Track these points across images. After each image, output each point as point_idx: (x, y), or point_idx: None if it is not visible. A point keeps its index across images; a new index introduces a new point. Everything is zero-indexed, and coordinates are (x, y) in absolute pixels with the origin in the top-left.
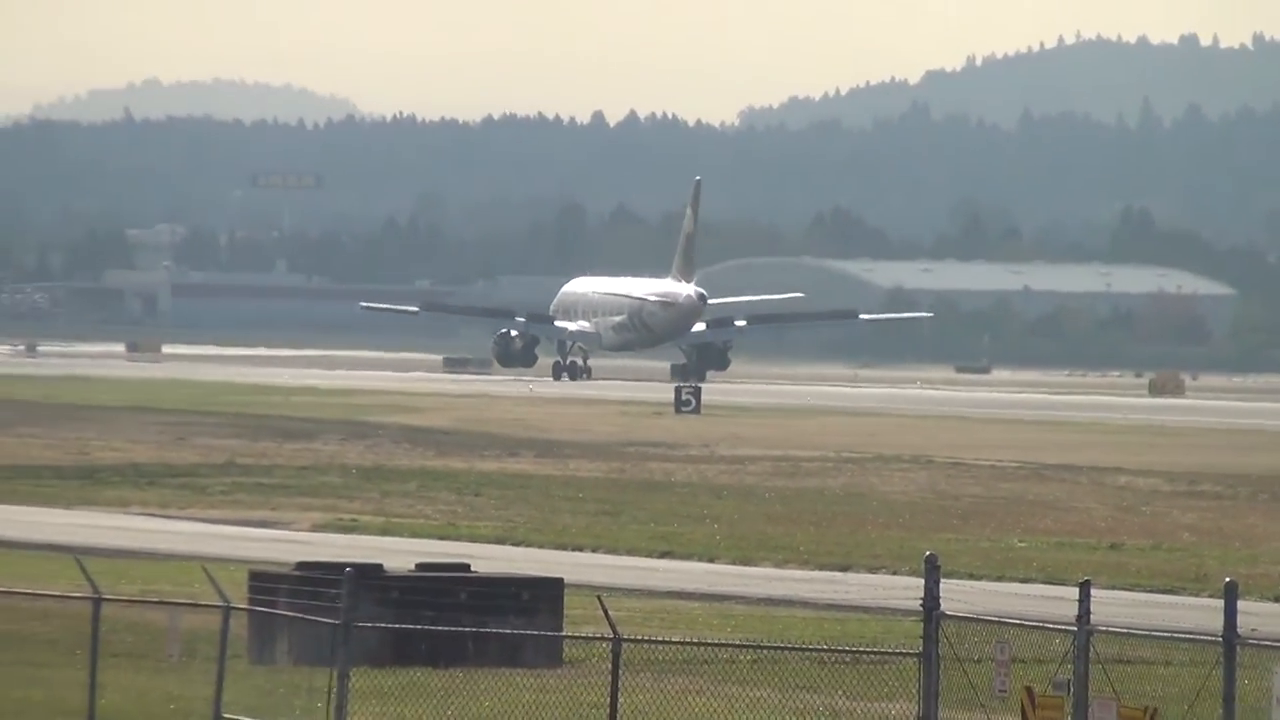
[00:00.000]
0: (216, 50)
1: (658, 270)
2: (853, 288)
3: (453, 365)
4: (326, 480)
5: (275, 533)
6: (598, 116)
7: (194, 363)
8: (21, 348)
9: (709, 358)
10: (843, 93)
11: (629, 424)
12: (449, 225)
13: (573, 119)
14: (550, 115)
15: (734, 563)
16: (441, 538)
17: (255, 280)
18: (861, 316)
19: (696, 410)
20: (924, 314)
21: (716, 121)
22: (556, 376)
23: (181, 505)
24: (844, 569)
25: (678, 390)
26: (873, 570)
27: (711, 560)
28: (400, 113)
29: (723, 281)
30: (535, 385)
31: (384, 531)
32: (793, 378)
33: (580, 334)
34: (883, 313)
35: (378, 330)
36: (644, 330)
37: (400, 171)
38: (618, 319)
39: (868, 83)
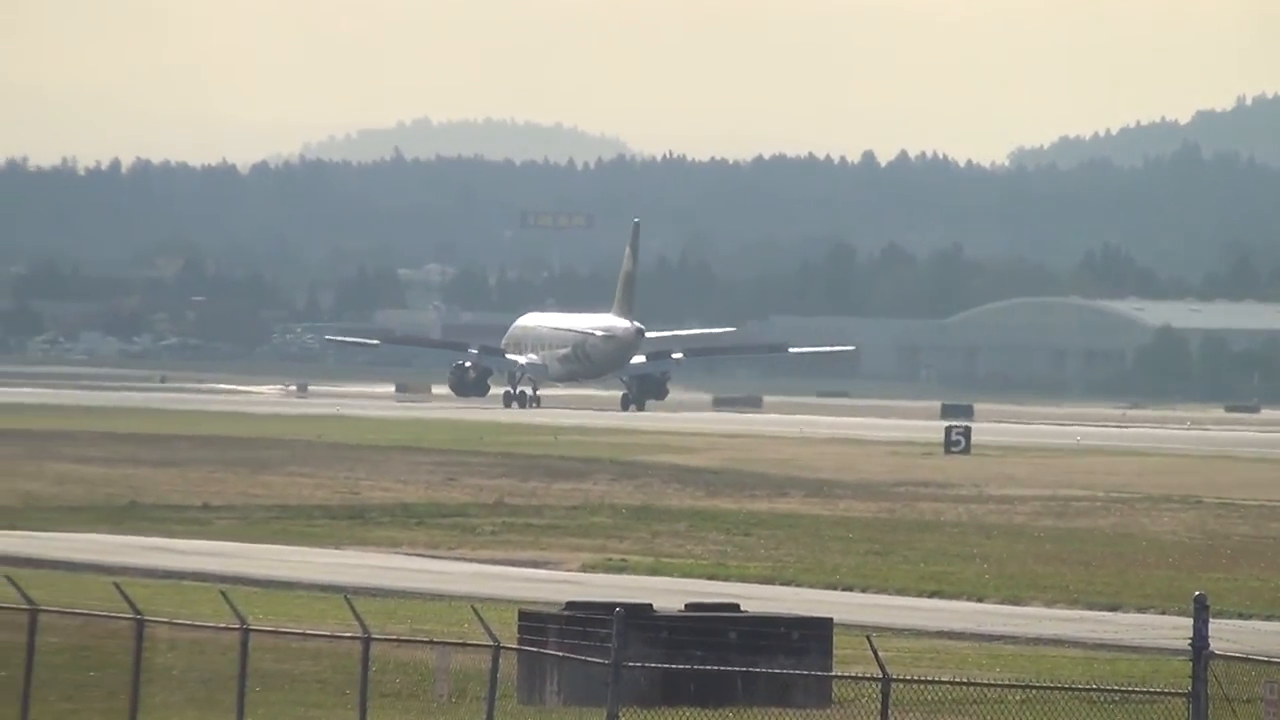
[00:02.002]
0: (486, 90)
1: (928, 310)
2: (1122, 327)
3: (722, 404)
4: (596, 520)
5: (544, 573)
6: (868, 156)
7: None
8: (293, 388)
9: (648, 388)
10: (1113, 132)
11: (899, 464)
12: (719, 265)
13: (843, 159)
14: (820, 155)
15: (1003, 602)
16: (711, 577)
17: None
18: (790, 350)
19: (966, 450)
20: (847, 348)
21: (987, 161)
22: (507, 404)
23: (451, 545)
24: (1113, 608)
25: (948, 430)
26: (1141, 610)
27: (980, 600)
28: (670, 152)
29: (992, 320)
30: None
31: (653, 571)
32: (1061, 418)
33: (529, 366)
34: (1153, 353)
35: None
36: (587, 362)
37: (670, 211)
38: (563, 351)
39: (1138, 122)
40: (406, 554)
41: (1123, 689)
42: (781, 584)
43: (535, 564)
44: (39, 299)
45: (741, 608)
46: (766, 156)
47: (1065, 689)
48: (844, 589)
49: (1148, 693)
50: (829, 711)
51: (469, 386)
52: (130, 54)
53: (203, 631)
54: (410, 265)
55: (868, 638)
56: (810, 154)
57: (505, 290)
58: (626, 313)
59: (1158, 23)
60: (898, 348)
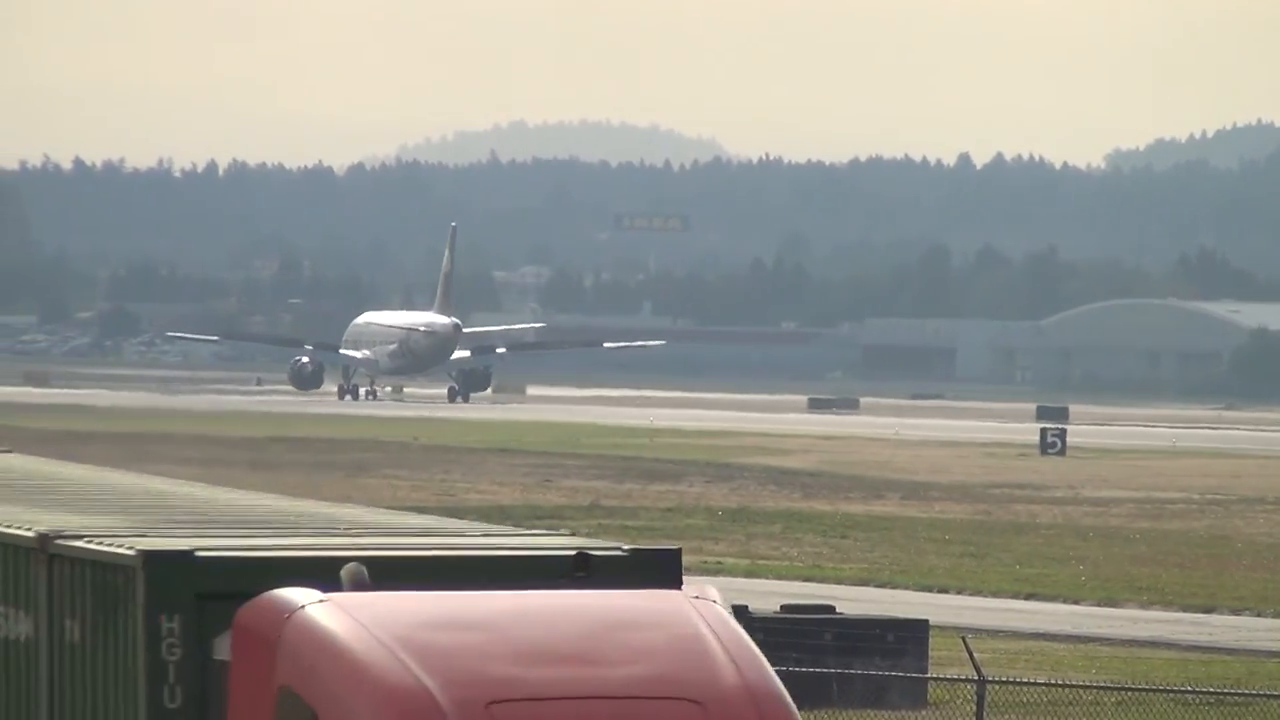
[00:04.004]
0: (582, 92)
1: (1023, 312)
2: (1217, 329)
3: (818, 406)
4: (691, 522)
5: None
6: (964, 159)
7: (558, 404)
8: (388, 389)
9: (473, 381)
10: (1209, 134)
11: (994, 466)
12: (815, 266)
13: (939, 161)
14: (916, 157)
15: (1098, 604)
16: (807, 579)
17: (620, 322)
18: (605, 345)
19: (1062, 452)
20: (657, 342)
21: (1082, 163)
22: (340, 397)
23: None
24: (1208, 610)
25: (1043, 432)
26: (1236, 612)
27: (1076, 602)
28: (766, 154)
29: (1087, 322)
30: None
31: (749, 573)
32: (1156, 419)
33: (362, 361)
34: (1249, 355)
35: (746, 372)
36: (412, 356)
37: (766, 213)
38: (391, 347)
39: (1234, 124)
40: None
41: (1218, 691)
42: (877, 586)
43: None
44: (135, 301)
45: (837, 609)
46: (862, 158)
47: (1160, 691)
48: (939, 591)
49: (1243, 694)
50: (924, 713)
51: (306, 380)
52: (226, 56)
53: None
54: (505, 267)
55: (963, 639)
56: (906, 156)
57: (600, 292)
58: (446, 310)
59: (1253, 24)
60: (993, 350)
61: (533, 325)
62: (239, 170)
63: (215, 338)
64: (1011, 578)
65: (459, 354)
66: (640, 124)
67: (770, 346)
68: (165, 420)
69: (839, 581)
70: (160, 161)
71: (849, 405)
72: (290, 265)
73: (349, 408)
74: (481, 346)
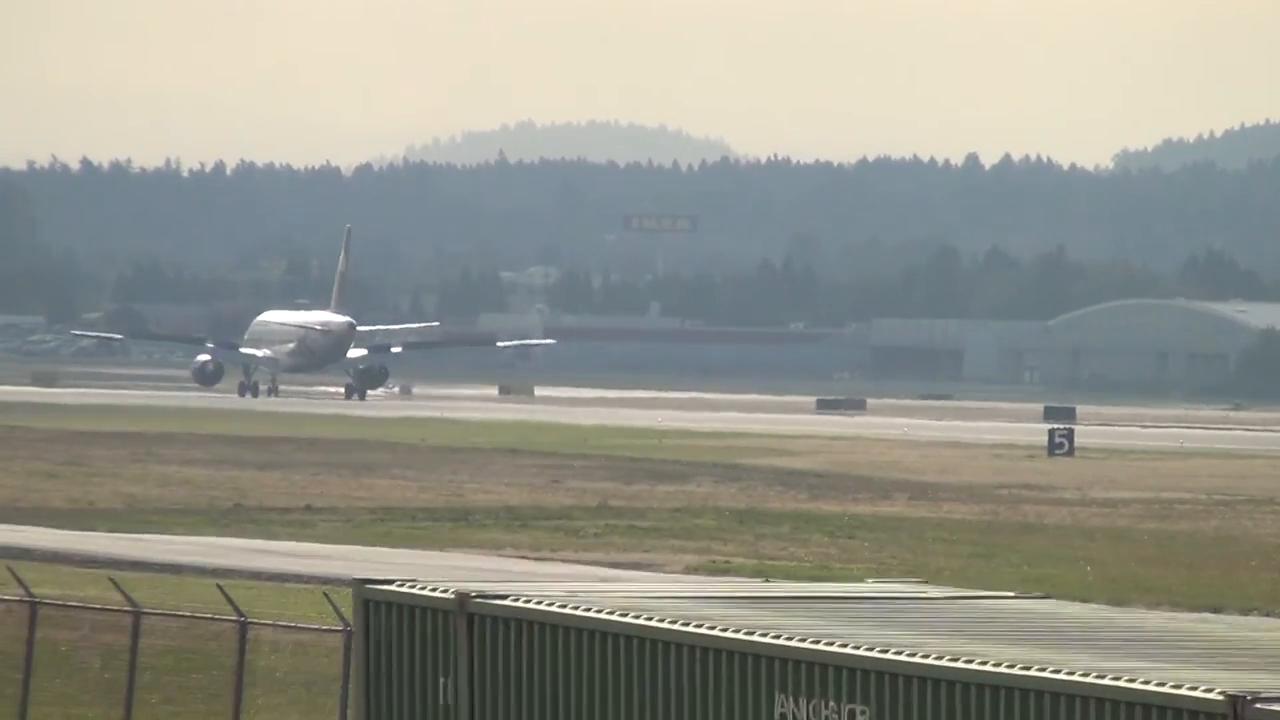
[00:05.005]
0: (590, 93)
1: (1031, 312)
2: (1225, 329)
3: (826, 406)
4: (700, 523)
5: (648, 575)
6: (972, 159)
7: (567, 405)
8: (396, 389)
9: (370, 378)
10: (1217, 135)
11: (1002, 466)
12: (823, 267)
13: (947, 161)
14: (925, 158)
15: (1106, 604)
16: (814, 580)
17: (629, 323)
18: (498, 344)
19: (1069, 452)
20: (547, 341)
21: (1090, 164)
22: (241, 394)
23: (554, 547)
24: (1216, 611)
25: (1051, 433)
26: (1244, 612)
27: (1084, 602)
28: (775, 155)
29: (1095, 323)
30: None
31: (757, 574)
32: (1164, 420)
33: (264, 359)
34: (1256, 355)
35: (753, 373)
36: (309, 354)
37: (774, 213)
38: (290, 346)
39: (1242, 125)
40: (510, 556)
41: None
42: None
43: (639, 566)
44: (142, 301)
45: None
46: (870, 159)
47: None
48: None
49: None
50: None
51: (208, 377)
52: (234, 57)
53: (305, 634)
54: (513, 268)
55: None
56: (914, 156)
57: (609, 293)
58: (341, 309)
59: (1261, 25)
60: (1001, 350)
61: (423, 324)
62: (246, 171)
63: (119, 336)
64: (1019, 578)
65: (355, 352)
66: (648, 124)
67: (778, 347)
68: (172, 420)
69: (847, 583)
70: (168, 162)
71: (857, 406)
72: (298, 266)
73: (354, 408)
74: (377, 345)
